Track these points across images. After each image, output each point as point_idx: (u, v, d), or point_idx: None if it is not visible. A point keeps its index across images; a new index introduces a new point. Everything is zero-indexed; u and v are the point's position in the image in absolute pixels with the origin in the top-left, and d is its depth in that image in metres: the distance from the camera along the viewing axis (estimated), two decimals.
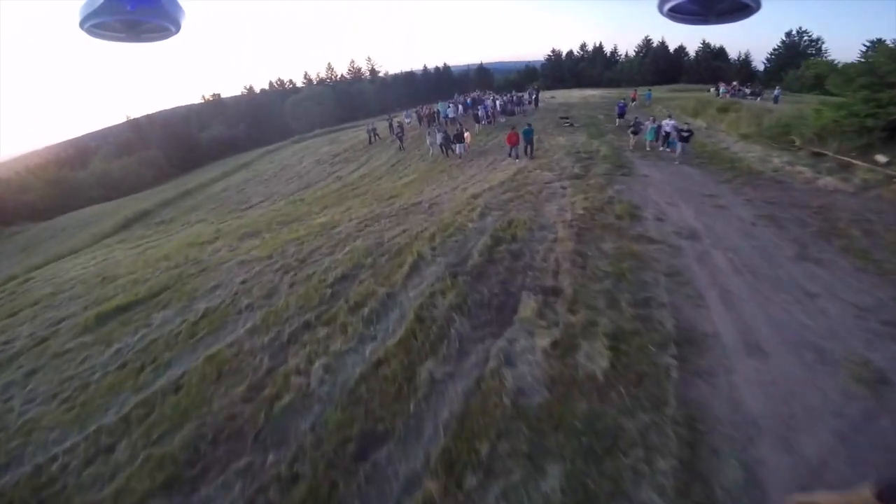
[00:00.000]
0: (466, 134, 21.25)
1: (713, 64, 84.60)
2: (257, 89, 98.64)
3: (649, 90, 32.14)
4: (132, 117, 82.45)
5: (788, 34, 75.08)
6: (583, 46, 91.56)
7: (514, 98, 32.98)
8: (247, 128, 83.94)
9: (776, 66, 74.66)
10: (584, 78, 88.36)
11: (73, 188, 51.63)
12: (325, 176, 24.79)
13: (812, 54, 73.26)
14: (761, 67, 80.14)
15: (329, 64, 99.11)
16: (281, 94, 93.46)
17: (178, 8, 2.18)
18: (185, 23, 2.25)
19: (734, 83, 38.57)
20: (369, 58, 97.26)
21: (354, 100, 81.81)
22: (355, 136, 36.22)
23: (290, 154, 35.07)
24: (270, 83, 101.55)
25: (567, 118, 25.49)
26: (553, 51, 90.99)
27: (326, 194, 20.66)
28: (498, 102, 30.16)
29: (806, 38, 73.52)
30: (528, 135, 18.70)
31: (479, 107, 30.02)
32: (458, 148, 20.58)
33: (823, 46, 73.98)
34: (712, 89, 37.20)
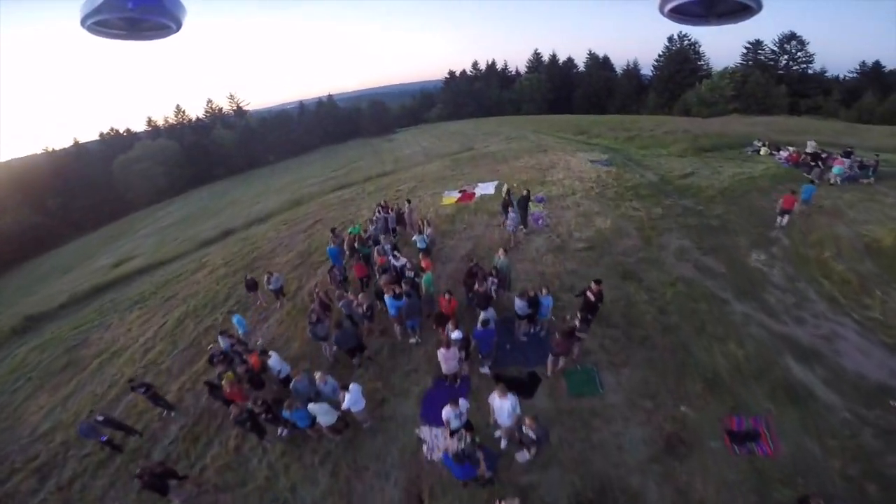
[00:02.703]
0: None
1: (603, 74, 72.23)
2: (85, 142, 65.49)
3: (812, 182, 13.40)
4: None
5: (670, 39, 64.00)
6: (475, 65, 73.67)
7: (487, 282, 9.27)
8: (60, 206, 52.66)
9: (666, 74, 63.42)
10: (483, 100, 71.07)
11: None
12: None
13: (696, 58, 63.16)
14: (649, 73, 68.66)
15: (178, 106, 68.38)
16: (117, 147, 61.75)
17: (179, 6, 2.00)
18: (187, 21, 2.06)
19: (810, 147, 17.99)
20: (232, 95, 68.84)
21: (211, 153, 54.78)
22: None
23: None
24: (101, 134, 68.93)
25: None
26: (450, 73, 71.50)
27: None
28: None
29: (686, 41, 62.74)
30: None
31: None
32: None
33: (700, 49, 63.92)
34: (762, 148, 20.13)
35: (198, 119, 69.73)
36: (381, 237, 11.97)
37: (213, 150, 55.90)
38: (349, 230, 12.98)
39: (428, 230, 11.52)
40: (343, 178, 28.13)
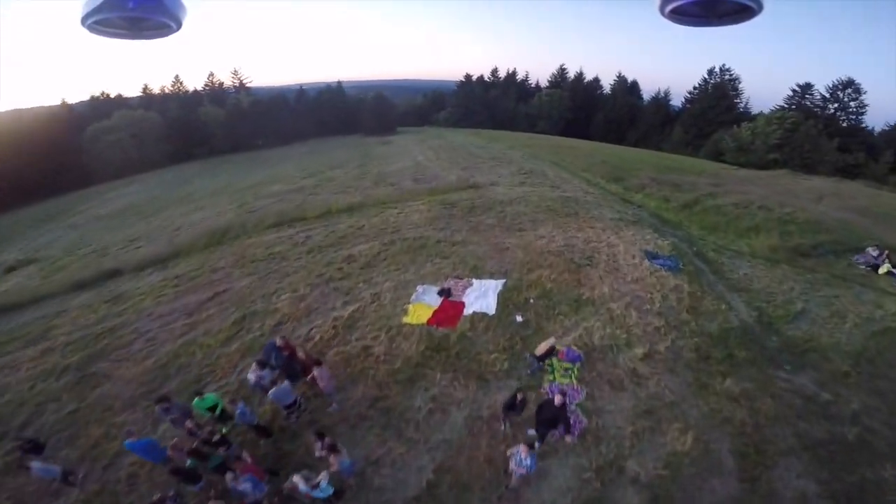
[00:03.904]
0: None
1: (629, 100, 65.05)
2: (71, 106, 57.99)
3: None
4: None
5: (710, 72, 56.75)
6: (494, 72, 66.26)
7: None
8: (14, 169, 45.46)
9: (698, 109, 56.32)
10: (496, 111, 63.75)
11: None
12: None
13: (735, 95, 56.09)
14: (678, 104, 61.47)
15: (177, 76, 61.04)
16: (102, 113, 53.80)
17: (179, 5, 1.91)
18: (187, 20, 1.97)
19: None
20: (236, 70, 61.47)
21: (194, 130, 47.43)
22: None
23: None
24: (92, 97, 61.45)
25: None
26: (466, 76, 64.26)
27: None
28: None
29: (728, 76, 55.64)
30: None
31: None
32: None
33: (740, 86, 56.87)
34: (882, 263, 13.58)
35: (195, 91, 62.29)
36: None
37: (197, 128, 48.42)
38: (195, 403, 6.21)
39: (336, 461, 4.77)
40: (306, 195, 21.16)
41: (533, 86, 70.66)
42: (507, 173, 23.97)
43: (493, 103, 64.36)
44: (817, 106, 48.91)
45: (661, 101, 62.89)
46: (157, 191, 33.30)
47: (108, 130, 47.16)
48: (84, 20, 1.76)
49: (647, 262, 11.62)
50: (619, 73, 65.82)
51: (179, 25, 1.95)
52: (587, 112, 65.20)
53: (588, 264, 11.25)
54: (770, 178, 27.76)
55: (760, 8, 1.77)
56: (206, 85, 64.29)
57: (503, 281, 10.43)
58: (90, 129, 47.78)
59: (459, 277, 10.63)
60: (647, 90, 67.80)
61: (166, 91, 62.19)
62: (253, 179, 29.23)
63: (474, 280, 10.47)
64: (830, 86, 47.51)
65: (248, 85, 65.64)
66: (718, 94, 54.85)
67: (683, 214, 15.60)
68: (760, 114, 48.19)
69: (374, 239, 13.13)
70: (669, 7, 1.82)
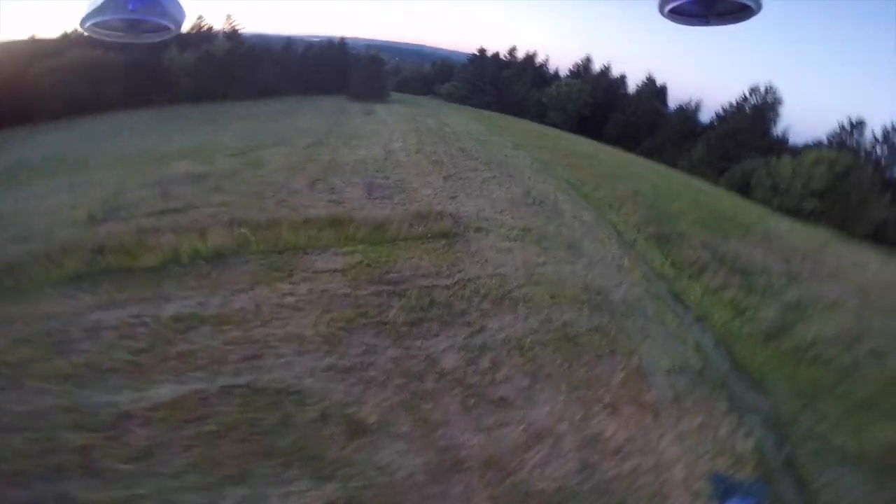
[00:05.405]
0: None
1: (653, 106, 56.53)
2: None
3: None
4: None
5: (753, 90, 48.45)
6: (512, 51, 57.29)
7: None
8: None
9: (731, 129, 48.38)
10: (506, 93, 55.10)
11: None
12: None
13: (773, 117, 48.10)
14: (706, 119, 53.21)
15: None
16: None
17: (178, 7, 1.85)
18: (186, 22, 1.91)
19: None
20: (229, 15, 51.47)
21: (155, 77, 39.30)
22: None
23: None
24: (64, 33, 50.38)
25: None
26: (480, 50, 55.57)
27: None
28: None
29: (772, 97, 47.44)
30: None
31: None
32: None
33: (780, 109, 48.76)
34: None
35: (179, 35, 52.23)
36: None
37: (159, 74, 40.02)
38: None
39: None
40: (202, 190, 14.28)
41: (552, 73, 61.56)
42: (504, 200, 16.97)
43: (504, 84, 55.63)
44: (865, 149, 41.38)
45: (688, 111, 54.57)
46: (71, 144, 25.66)
47: (57, 70, 38.49)
48: (84, 21, 1.68)
49: None
50: (650, 75, 56.93)
51: (178, 27, 1.87)
52: (605, 110, 56.87)
53: None
54: (820, 249, 21.03)
55: (759, 7, 1.73)
56: (192, 28, 54.16)
57: None
58: (39, 66, 38.97)
59: None
60: (674, 97, 59.11)
61: None
62: (173, 146, 21.80)
63: None
64: (886, 127, 39.91)
65: (241, 32, 55.63)
66: (757, 116, 46.77)
67: (768, 354, 9.11)
68: (805, 147, 40.64)
69: (199, 372, 6.47)
70: (669, 7, 1.77)
